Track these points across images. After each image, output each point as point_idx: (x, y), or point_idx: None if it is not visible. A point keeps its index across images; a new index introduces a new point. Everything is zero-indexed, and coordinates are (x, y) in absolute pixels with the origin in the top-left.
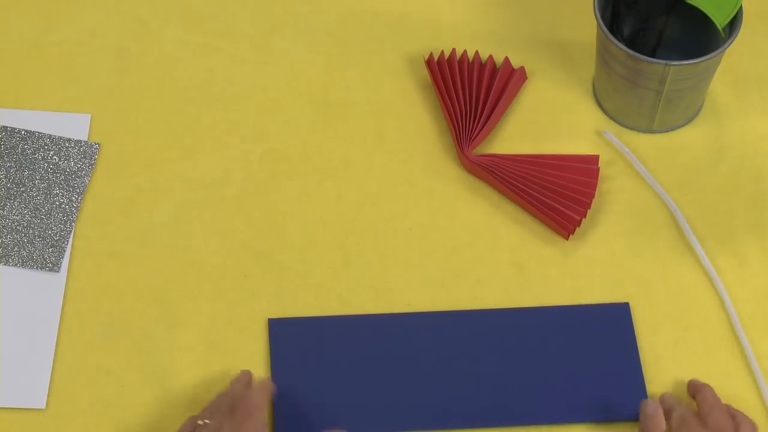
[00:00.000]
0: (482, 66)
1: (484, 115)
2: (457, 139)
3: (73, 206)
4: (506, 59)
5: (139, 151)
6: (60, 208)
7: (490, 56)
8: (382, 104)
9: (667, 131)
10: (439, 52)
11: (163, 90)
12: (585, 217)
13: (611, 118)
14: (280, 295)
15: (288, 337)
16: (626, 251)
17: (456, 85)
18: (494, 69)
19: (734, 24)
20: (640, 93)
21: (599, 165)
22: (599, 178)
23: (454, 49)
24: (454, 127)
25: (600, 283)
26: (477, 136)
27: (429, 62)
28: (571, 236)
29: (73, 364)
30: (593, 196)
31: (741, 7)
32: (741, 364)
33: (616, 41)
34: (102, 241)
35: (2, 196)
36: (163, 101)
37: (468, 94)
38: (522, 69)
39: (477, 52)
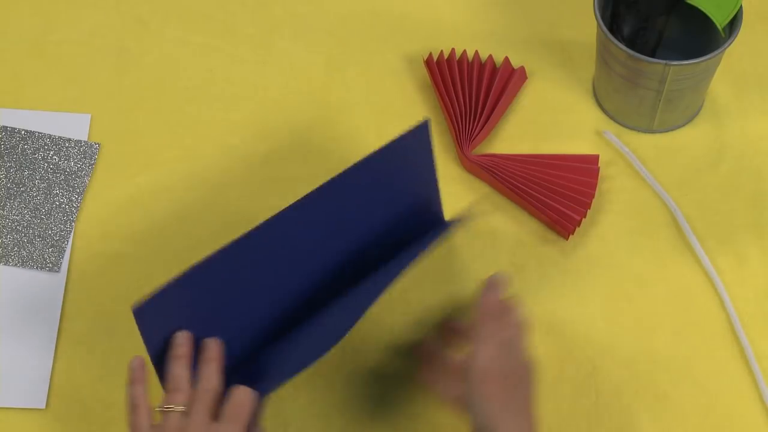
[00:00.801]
0: (482, 66)
1: (483, 115)
2: (457, 139)
3: (73, 206)
4: (506, 59)
5: (139, 151)
6: (60, 208)
7: (490, 56)
8: (382, 104)
9: (667, 131)
10: (439, 52)
11: (163, 90)
12: (585, 216)
13: (611, 118)
14: None
15: (157, 315)
16: (626, 251)
17: (456, 85)
18: (494, 69)
19: (734, 24)
20: (640, 93)
21: (599, 165)
22: (599, 177)
23: (453, 49)
24: (454, 127)
25: (600, 283)
26: (477, 136)
27: (428, 62)
28: (571, 236)
29: (73, 364)
30: (593, 196)
31: (741, 7)
32: (741, 364)
33: (616, 41)
34: (102, 241)
35: (2, 196)
36: (163, 101)
37: (468, 94)
38: (522, 69)
39: (477, 52)
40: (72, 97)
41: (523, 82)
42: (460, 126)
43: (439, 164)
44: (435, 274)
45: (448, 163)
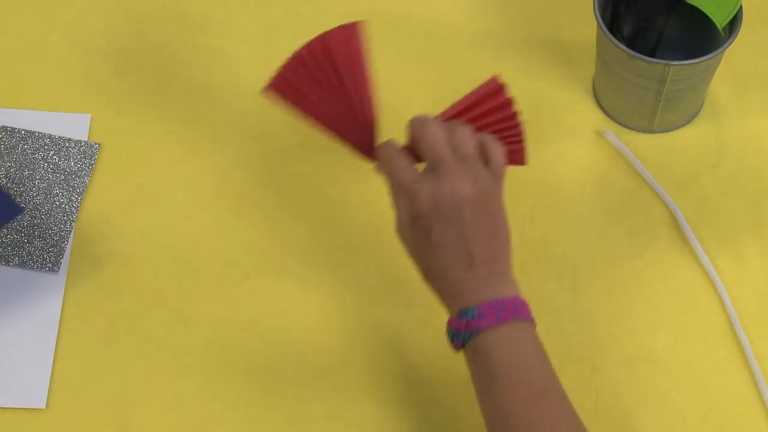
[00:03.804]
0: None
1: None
2: (357, 142)
3: (73, 206)
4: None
5: (139, 151)
6: (60, 208)
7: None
8: (382, 104)
9: (667, 131)
10: (439, 52)
11: (163, 90)
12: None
13: (611, 118)
14: (281, 295)
15: None
16: (626, 251)
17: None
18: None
19: (734, 24)
20: (640, 93)
21: (501, 83)
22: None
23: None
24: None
25: (600, 283)
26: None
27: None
28: (527, 161)
29: (73, 364)
30: (519, 116)
31: (741, 7)
32: (741, 364)
33: (616, 41)
34: (102, 241)
35: None
36: (163, 101)
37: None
38: (345, 27)
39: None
40: (72, 97)
41: (359, 33)
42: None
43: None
44: None
45: None
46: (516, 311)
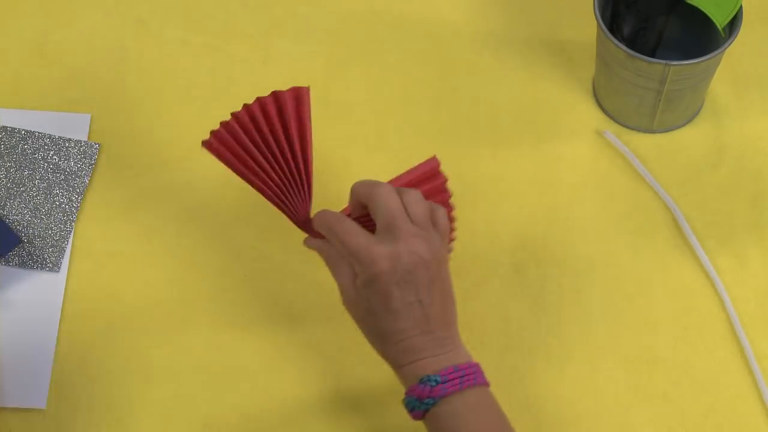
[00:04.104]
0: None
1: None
2: (291, 214)
3: (73, 206)
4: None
5: (139, 151)
6: (60, 208)
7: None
8: (382, 104)
9: (667, 131)
10: (439, 52)
11: (163, 90)
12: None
13: (611, 118)
14: (281, 296)
15: None
16: (626, 251)
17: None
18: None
19: (734, 24)
20: (640, 93)
21: (439, 166)
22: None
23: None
24: (283, 201)
25: (600, 283)
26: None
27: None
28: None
29: (73, 364)
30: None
31: (741, 7)
32: (741, 364)
33: (616, 41)
34: (102, 241)
35: (2, 196)
36: (163, 101)
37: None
38: (295, 90)
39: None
40: (72, 97)
41: (307, 98)
42: (292, 194)
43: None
44: None
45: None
46: (476, 377)
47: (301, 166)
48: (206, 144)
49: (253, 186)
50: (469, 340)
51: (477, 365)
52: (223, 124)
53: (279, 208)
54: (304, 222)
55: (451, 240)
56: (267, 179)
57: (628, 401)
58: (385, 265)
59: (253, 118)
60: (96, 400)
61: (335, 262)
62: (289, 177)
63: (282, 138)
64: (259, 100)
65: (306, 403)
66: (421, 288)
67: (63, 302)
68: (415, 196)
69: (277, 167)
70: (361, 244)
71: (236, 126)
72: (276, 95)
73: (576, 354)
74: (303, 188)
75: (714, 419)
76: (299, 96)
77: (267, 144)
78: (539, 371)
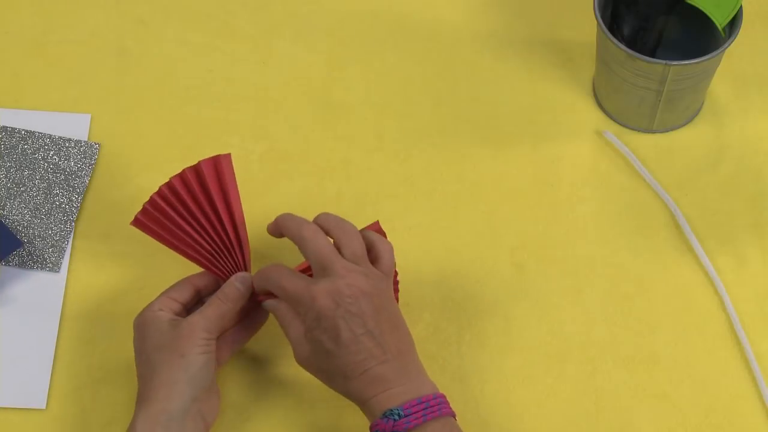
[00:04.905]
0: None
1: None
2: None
3: (73, 206)
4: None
5: (139, 151)
6: (60, 208)
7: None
8: (382, 104)
9: (667, 131)
10: (439, 52)
11: (163, 90)
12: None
13: (611, 118)
14: None
15: None
16: (626, 251)
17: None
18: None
19: (734, 24)
20: (640, 93)
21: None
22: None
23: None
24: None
25: (600, 283)
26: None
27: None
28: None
29: (73, 364)
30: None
31: (741, 7)
32: (741, 364)
33: (616, 41)
34: (102, 241)
35: (2, 196)
36: (163, 101)
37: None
38: (214, 159)
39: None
40: (72, 97)
41: (227, 166)
42: (223, 261)
43: (439, 164)
44: (435, 274)
45: (449, 163)
46: (440, 408)
47: (231, 233)
48: (135, 223)
49: (186, 257)
50: (469, 340)
51: (442, 396)
52: (149, 202)
53: (215, 275)
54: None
55: (395, 282)
56: (198, 248)
57: (628, 401)
58: (327, 300)
59: (175, 193)
60: (96, 400)
61: (285, 318)
62: (219, 244)
63: (207, 208)
64: (180, 174)
65: (306, 403)
66: (368, 319)
67: (63, 302)
68: (350, 232)
69: (207, 236)
70: (298, 286)
71: (161, 202)
72: (196, 168)
73: (576, 354)
74: (235, 254)
75: (714, 419)
76: (218, 165)
77: (193, 216)
78: (539, 371)
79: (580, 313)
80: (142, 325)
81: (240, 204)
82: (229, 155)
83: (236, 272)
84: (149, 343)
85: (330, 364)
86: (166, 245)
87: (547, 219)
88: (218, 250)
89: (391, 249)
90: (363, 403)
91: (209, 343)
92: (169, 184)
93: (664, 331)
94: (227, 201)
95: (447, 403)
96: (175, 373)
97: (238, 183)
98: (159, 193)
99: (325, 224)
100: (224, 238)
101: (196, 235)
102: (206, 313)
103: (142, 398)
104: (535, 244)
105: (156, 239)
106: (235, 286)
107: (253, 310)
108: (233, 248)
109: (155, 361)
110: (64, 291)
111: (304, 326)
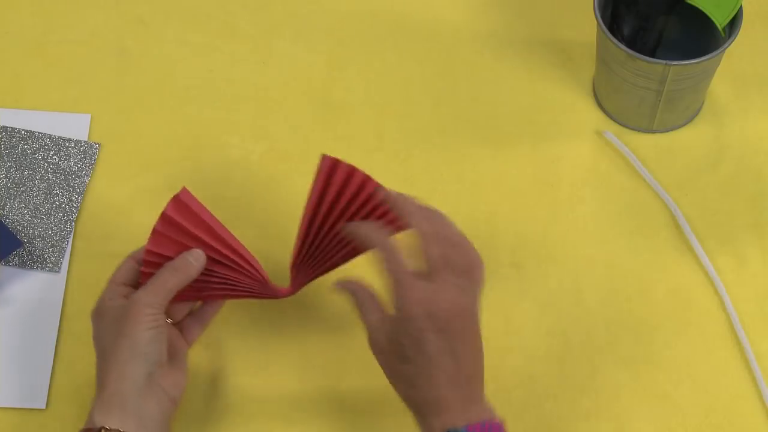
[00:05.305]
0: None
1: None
2: (257, 293)
3: (73, 206)
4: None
5: (139, 151)
6: (60, 208)
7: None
8: (382, 104)
9: (667, 131)
10: (439, 52)
11: (163, 90)
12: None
13: (611, 118)
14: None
15: None
16: (626, 251)
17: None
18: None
19: (734, 24)
20: (640, 93)
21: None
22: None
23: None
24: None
25: (600, 283)
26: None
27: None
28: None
29: (73, 364)
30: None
31: (741, 7)
32: (741, 364)
33: (616, 41)
34: (102, 241)
35: (2, 196)
36: (163, 101)
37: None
38: (174, 199)
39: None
40: (72, 97)
41: (188, 199)
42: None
43: (440, 164)
44: None
45: (449, 163)
46: None
47: (229, 254)
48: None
49: (218, 298)
50: None
51: (501, 424)
52: (142, 273)
53: (247, 297)
54: (274, 290)
55: (403, 227)
56: (223, 288)
57: (628, 401)
58: (420, 308)
59: (158, 255)
60: None
61: (364, 305)
62: (237, 275)
63: (197, 244)
64: (153, 231)
65: (306, 403)
66: (456, 340)
67: (63, 302)
68: (457, 246)
69: (220, 275)
70: (405, 273)
71: (151, 268)
72: (164, 218)
73: (576, 354)
74: (245, 269)
75: (714, 419)
76: (177, 204)
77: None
78: (539, 372)
79: (580, 313)
80: (95, 320)
81: (221, 224)
82: (184, 188)
83: (258, 283)
84: (102, 333)
85: (401, 368)
86: (195, 298)
87: (547, 219)
88: (237, 280)
89: (480, 260)
90: (420, 416)
91: (156, 318)
92: (146, 251)
93: (664, 331)
94: (208, 229)
95: (505, 430)
96: (122, 353)
97: (237, 183)
98: (145, 262)
99: (441, 231)
100: (230, 263)
101: (210, 278)
102: (149, 288)
103: (98, 387)
104: (535, 244)
105: (183, 300)
106: (186, 259)
107: (211, 286)
108: (242, 267)
109: (106, 349)
110: (64, 291)
111: (385, 319)
